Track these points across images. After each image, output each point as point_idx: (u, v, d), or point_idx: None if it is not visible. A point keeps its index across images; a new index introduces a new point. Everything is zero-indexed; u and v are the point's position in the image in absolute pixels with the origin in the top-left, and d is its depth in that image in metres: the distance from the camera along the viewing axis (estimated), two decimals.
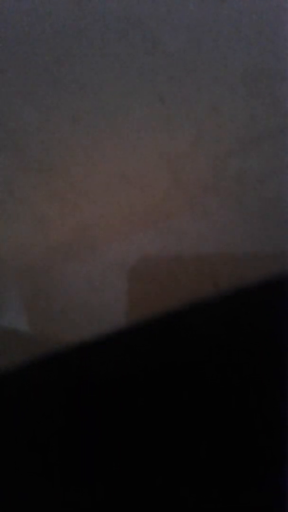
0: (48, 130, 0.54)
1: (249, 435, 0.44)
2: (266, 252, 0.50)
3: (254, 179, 0.51)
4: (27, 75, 0.53)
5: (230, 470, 0.44)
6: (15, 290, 0.53)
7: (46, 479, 0.44)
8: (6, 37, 0.53)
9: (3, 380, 0.48)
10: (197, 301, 0.47)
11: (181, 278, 0.50)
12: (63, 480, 0.44)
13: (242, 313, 0.47)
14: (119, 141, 0.52)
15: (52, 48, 0.53)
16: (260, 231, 0.51)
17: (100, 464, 0.44)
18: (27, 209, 0.53)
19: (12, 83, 0.54)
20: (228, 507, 0.43)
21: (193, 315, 0.47)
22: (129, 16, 0.52)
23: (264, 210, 0.51)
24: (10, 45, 0.53)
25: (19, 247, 0.53)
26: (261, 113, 0.52)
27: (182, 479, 0.44)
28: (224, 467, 0.44)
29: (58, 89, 0.54)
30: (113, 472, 0.43)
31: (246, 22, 0.52)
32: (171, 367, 0.46)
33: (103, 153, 0.53)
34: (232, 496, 0.43)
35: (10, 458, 0.44)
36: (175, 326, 0.47)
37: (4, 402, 0.47)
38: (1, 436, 0.45)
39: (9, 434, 0.45)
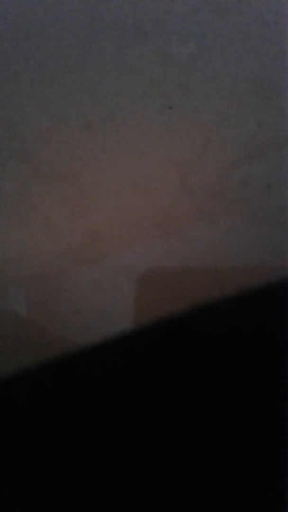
0: (59, 137, 0.55)
1: (252, 438, 0.45)
2: (272, 258, 0.51)
3: (260, 186, 0.52)
4: (40, 84, 0.55)
5: (232, 474, 0.44)
6: (25, 293, 0.54)
7: (47, 485, 0.45)
8: (20, 47, 0.55)
9: (13, 383, 0.49)
10: (202, 305, 0.48)
11: (188, 283, 0.51)
12: (65, 485, 0.45)
13: (246, 317, 0.47)
14: (129, 148, 0.54)
15: (65, 57, 0.55)
16: (266, 237, 0.51)
17: (104, 467, 0.45)
18: (39, 214, 0.55)
19: (25, 92, 0.55)
20: (228, 507, 0.44)
21: (197, 319, 0.48)
22: (140, 27, 0.54)
23: (270, 216, 0.52)
24: (24, 55, 0.55)
25: (30, 251, 0.55)
26: (268, 121, 0.53)
27: (184, 482, 0.44)
28: (227, 471, 0.44)
29: (69, 97, 0.55)
30: (116, 474, 0.44)
31: (254, 33, 0.53)
32: (176, 370, 0.47)
33: (112, 160, 0.54)
34: (232, 498, 0.44)
35: (15, 462, 0.45)
36: (180, 330, 0.48)
37: (13, 405, 0.48)
38: (12, 436, 0.46)
39: (20, 434, 0.46)
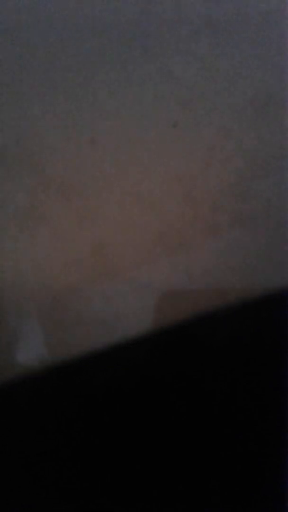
0: (68, 152, 0.57)
1: (252, 447, 0.46)
2: (272, 269, 0.52)
3: (262, 199, 0.54)
4: (49, 101, 0.57)
5: (232, 483, 0.45)
6: (33, 304, 0.56)
7: (46, 491, 0.46)
8: (30, 65, 0.57)
9: (15, 388, 0.50)
10: (203, 314, 0.50)
11: (190, 293, 0.52)
12: (64, 491, 0.46)
13: (247, 326, 0.49)
14: (135, 163, 0.56)
15: (73, 75, 0.57)
16: (267, 249, 0.53)
17: (104, 474, 0.46)
18: (47, 226, 0.57)
19: (35, 108, 0.57)
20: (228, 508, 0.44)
21: (198, 328, 0.50)
22: (146, 47, 0.56)
23: (272, 228, 0.53)
24: (34, 73, 0.57)
25: (38, 262, 0.57)
26: (269, 136, 0.55)
27: (183, 491, 0.45)
28: (227, 480, 0.45)
29: (78, 114, 0.57)
30: (116, 481, 0.45)
31: (254, 52, 0.55)
32: (176, 379, 0.48)
33: (119, 174, 0.56)
34: (232, 507, 0.45)
35: (15, 468, 0.46)
36: (181, 338, 0.50)
37: (14, 409, 0.50)
38: (11, 441, 0.48)
39: (20, 439, 0.47)
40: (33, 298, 0.56)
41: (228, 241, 0.53)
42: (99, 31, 0.56)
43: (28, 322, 0.57)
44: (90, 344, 0.52)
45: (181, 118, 0.55)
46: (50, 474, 0.47)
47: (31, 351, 0.54)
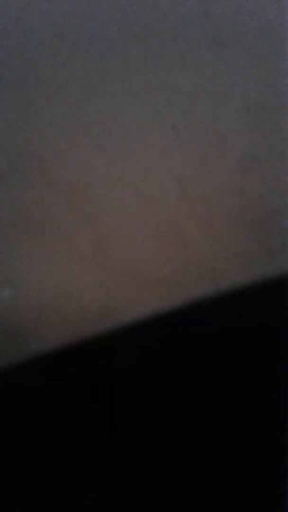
0: (73, 155, 0.61)
1: (247, 435, 0.47)
2: (265, 260, 0.55)
3: (255, 195, 0.57)
4: (56, 109, 0.61)
5: (231, 472, 0.46)
6: (37, 293, 0.59)
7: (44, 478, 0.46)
8: (41, 77, 0.61)
9: (15, 371, 0.52)
10: (197, 300, 0.52)
11: (185, 282, 0.55)
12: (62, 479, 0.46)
13: (239, 312, 0.51)
14: (135, 164, 0.59)
15: (79, 85, 0.61)
16: (260, 240, 0.56)
17: (103, 463, 0.47)
18: (52, 222, 0.60)
19: (43, 115, 0.61)
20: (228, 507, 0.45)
21: (192, 314, 0.52)
22: (147, 59, 0.60)
23: (263, 223, 0.56)
24: (43, 83, 0.61)
25: (43, 256, 0.60)
26: (261, 138, 0.58)
27: (182, 480, 0.46)
28: (225, 468, 0.46)
29: (83, 120, 0.61)
30: (114, 470, 0.46)
31: (249, 62, 0.59)
32: (172, 363, 0.50)
33: (121, 174, 0.60)
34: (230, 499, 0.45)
35: (14, 455, 0.48)
36: (175, 324, 0.52)
37: (15, 392, 0.52)
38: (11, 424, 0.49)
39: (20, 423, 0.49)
40: (36, 288, 0.59)
41: (222, 234, 0.56)
42: (104, 45, 0.61)
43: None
44: (89, 330, 0.55)
45: (180, 122, 0.59)
46: (48, 459, 0.48)
47: None
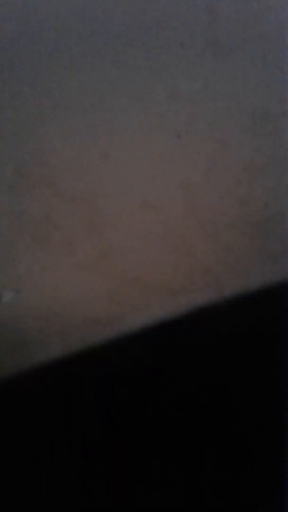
0: (80, 164, 0.61)
1: (249, 438, 0.47)
2: (269, 269, 0.55)
3: (260, 203, 0.57)
4: (63, 118, 0.62)
5: (231, 475, 0.46)
6: (44, 303, 0.59)
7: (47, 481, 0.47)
8: (48, 88, 0.62)
9: (18, 379, 0.52)
10: (202, 308, 0.52)
11: (190, 289, 0.55)
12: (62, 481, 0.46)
13: (243, 318, 0.51)
14: (141, 172, 0.60)
15: (85, 95, 0.62)
16: (265, 248, 0.56)
17: (104, 465, 0.47)
18: (59, 232, 0.61)
19: (50, 125, 0.62)
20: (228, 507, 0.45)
21: (198, 321, 0.52)
22: (152, 67, 0.60)
23: (269, 229, 0.56)
24: (50, 94, 0.62)
25: (51, 266, 0.60)
26: (266, 147, 0.58)
27: (182, 483, 0.46)
28: (225, 471, 0.46)
29: (89, 130, 0.62)
30: (116, 471, 0.46)
31: (253, 70, 0.59)
32: (176, 369, 0.50)
33: (127, 183, 0.60)
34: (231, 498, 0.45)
35: (15, 461, 0.48)
36: (181, 332, 0.52)
37: (17, 400, 0.52)
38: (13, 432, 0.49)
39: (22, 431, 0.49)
40: (43, 299, 0.59)
41: (227, 243, 0.56)
42: (109, 53, 0.61)
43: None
44: (96, 339, 0.55)
45: (184, 130, 0.59)
46: (51, 465, 0.48)
47: None
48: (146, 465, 0.48)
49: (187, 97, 0.60)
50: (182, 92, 0.61)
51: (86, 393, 0.50)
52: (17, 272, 0.61)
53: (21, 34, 0.57)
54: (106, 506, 0.46)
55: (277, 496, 0.44)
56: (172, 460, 0.48)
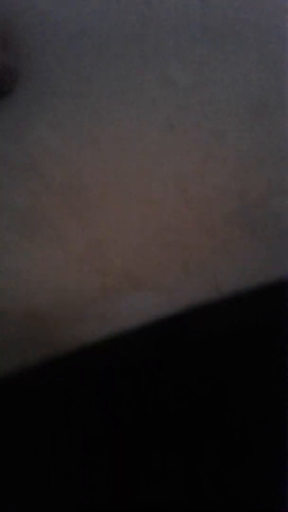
0: (69, 154, 0.59)
1: (248, 431, 0.46)
2: (267, 264, 0.53)
3: (256, 197, 0.56)
4: (50, 105, 0.59)
5: (231, 471, 0.45)
6: (33, 300, 0.57)
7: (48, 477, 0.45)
8: (33, 73, 0.59)
9: (19, 378, 0.51)
10: (199, 305, 0.51)
11: (187, 286, 0.53)
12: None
13: (242, 316, 0.50)
14: (132, 163, 0.57)
15: (73, 81, 0.59)
16: (263, 243, 0.54)
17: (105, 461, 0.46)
18: (48, 225, 0.58)
19: (36, 112, 0.59)
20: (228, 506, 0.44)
21: (195, 318, 0.50)
22: (145, 56, 0.58)
23: (266, 225, 0.55)
24: (36, 78, 0.59)
25: (39, 261, 0.58)
26: (263, 138, 0.57)
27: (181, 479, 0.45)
28: (225, 467, 0.45)
29: (78, 117, 0.59)
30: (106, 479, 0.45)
31: (250, 59, 0.57)
32: (174, 368, 0.49)
33: (118, 174, 0.58)
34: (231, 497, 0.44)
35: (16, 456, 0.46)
36: (177, 329, 0.50)
37: (19, 397, 0.50)
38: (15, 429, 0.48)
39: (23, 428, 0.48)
40: (33, 294, 0.57)
41: (224, 238, 0.55)
42: (101, 41, 0.59)
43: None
44: (89, 337, 0.53)
45: (178, 120, 0.57)
46: (52, 460, 0.47)
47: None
48: (145, 457, 0.47)
49: (180, 85, 0.58)
50: (174, 80, 0.58)
51: (81, 390, 0.48)
52: (4, 267, 0.59)
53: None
54: (105, 497, 0.45)
55: (276, 489, 0.44)
56: (171, 452, 0.47)
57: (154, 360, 0.49)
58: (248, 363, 0.49)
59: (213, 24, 0.56)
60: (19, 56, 0.57)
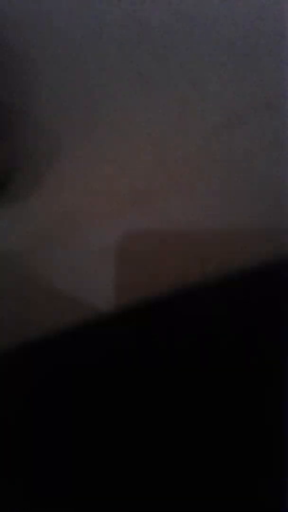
0: (34, 117, 0.52)
1: (249, 425, 0.43)
2: (255, 232, 0.48)
3: (242, 157, 0.50)
4: (39, 84, 0.52)
5: (231, 465, 0.42)
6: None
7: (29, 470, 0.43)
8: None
9: None
10: (185, 286, 0.46)
11: (168, 261, 0.48)
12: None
13: (231, 297, 0.45)
14: (98, 121, 0.51)
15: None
16: (249, 211, 0.49)
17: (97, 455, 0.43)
18: (13, 196, 0.52)
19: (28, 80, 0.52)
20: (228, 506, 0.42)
21: (180, 301, 0.46)
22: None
23: (253, 189, 0.49)
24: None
25: (3, 231, 0.52)
26: (248, 88, 0.50)
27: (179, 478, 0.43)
28: (222, 460, 0.43)
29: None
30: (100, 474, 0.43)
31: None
32: (158, 354, 0.45)
33: (85, 136, 0.51)
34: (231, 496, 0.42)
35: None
36: (163, 312, 0.46)
37: None
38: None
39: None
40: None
41: (206, 205, 0.49)
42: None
43: None
44: (61, 318, 0.48)
45: (150, 69, 0.50)
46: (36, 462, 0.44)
47: None
48: (144, 456, 0.45)
49: (153, 25, 0.50)
50: (147, 21, 0.51)
51: (75, 372, 0.45)
52: None
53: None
54: (105, 491, 0.43)
55: (276, 489, 0.42)
56: (171, 452, 0.44)
57: (150, 345, 0.44)
58: (249, 345, 0.45)
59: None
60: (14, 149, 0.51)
